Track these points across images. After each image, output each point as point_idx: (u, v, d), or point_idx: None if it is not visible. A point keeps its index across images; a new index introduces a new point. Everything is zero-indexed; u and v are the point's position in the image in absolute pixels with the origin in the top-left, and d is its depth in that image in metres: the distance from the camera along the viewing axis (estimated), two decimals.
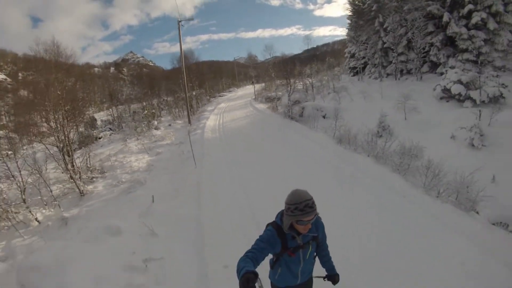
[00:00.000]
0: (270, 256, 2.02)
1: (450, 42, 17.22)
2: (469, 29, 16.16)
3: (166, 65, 67.02)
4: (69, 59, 12.25)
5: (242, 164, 8.24)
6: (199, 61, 38.26)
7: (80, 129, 17.37)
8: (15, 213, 7.64)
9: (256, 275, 1.49)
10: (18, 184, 7.69)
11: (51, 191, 8.32)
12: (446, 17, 16.95)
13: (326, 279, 2.21)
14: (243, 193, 6.19)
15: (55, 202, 8.13)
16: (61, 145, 10.38)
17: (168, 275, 3.47)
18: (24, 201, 7.73)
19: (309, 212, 1.75)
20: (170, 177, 7.57)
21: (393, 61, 19.88)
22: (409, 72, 19.18)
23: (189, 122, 17.08)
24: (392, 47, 19.77)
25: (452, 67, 15.30)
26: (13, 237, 6.76)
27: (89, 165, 10.54)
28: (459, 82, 10.29)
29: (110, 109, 28.09)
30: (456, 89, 10.30)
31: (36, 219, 7.61)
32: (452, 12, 17.16)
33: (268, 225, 1.98)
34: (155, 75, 39.18)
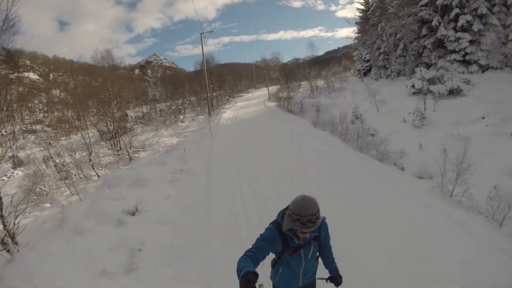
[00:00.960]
0: (272, 256, 2.04)
1: (440, 44, 19.62)
2: (456, 32, 18.52)
3: (189, 67, 71.92)
4: (118, 65, 16.31)
5: (241, 134, 12.93)
6: (220, 64, 42.59)
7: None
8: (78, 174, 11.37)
9: (256, 275, 1.52)
10: (89, 149, 11.52)
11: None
12: (435, 21, 19.33)
13: (328, 280, 2.26)
14: (237, 145, 10.59)
15: (109, 165, 11.86)
16: (111, 128, 14.33)
17: (192, 173, 7.06)
18: (90, 160, 11.54)
19: (310, 227, 1.77)
20: (195, 144, 11.40)
21: (392, 63, 22.49)
22: (402, 72, 21.76)
23: (209, 115, 20.95)
24: (389, 51, 22.42)
25: (440, 67, 17.87)
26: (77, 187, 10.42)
27: (131, 144, 14.37)
28: (423, 79, 12.99)
29: (139, 107, 32.33)
30: (419, 84, 13.01)
31: (97, 174, 11.31)
32: (443, 16, 19.57)
33: (269, 224, 2.00)
34: (180, 77, 43.44)
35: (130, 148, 12.06)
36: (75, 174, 11.23)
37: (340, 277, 2.25)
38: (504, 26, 17.85)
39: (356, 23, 28.70)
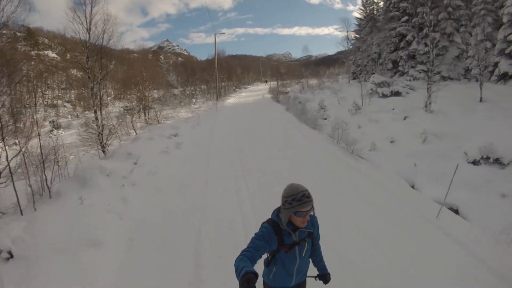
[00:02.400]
0: (265, 255, 2.16)
1: (413, 56, 24.89)
2: (426, 46, 23.72)
3: (200, 56, 77.44)
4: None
5: (239, 111, 19.29)
6: (231, 55, 48.23)
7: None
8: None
9: (256, 275, 1.62)
10: (132, 114, 17.49)
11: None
12: (410, 36, 24.66)
13: (317, 278, 2.47)
14: (236, 116, 17.10)
15: (142, 128, 17.82)
16: (143, 103, 20.34)
17: (204, 126, 13.11)
18: (132, 121, 17.47)
19: (306, 202, 1.98)
20: (205, 115, 17.37)
21: (376, 69, 27.86)
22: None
23: (217, 99, 27.04)
24: (374, 58, 27.81)
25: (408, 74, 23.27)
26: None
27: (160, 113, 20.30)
28: (373, 83, 18.51)
29: (156, 90, 38.26)
30: (370, 87, 18.47)
31: (135, 131, 17.19)
32: (419, 32, 24.83)
33: (263, 223, 2.18)
34: (193, 66, 49.27)
35: (159, 116, 17.99)
36: (116, 132, 17.25)
37: (329, 274, 2.46)
38: (466, 44, 23.00)
39: (352, 30, 34.04)
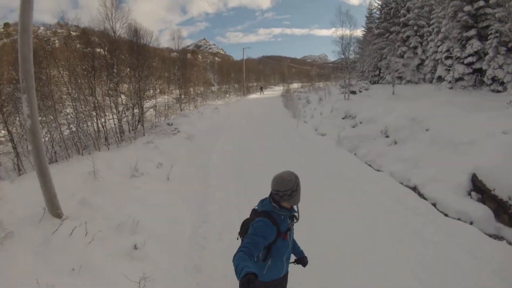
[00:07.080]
0: None
1: (389, 65, 38.12)
2: (397, 57, 36.93)
3: (236, 55, 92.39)
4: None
5: (255, 101, 35.81)
6: (265, 56, 63.07)
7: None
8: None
9: (256, 276, 1.87)
10: (193, 101, 33.27)
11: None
12: (387, 50, 38.07)
13: (295, 263, 2.90)
14: (252, 102, 33.45)
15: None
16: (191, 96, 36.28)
17: (232, 106, 28.88)
18: (188, 104, 33.24)
19: (295, 196, 2.54)
20: (234, 103, 32.96)
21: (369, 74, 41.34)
22: (376, 82, 40.57)
23: (244, 94, 42.74)
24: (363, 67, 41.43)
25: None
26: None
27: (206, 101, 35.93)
28: (340, 85, 32.48)
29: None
30: (337, 87, 32.35)
31: (189, 109, 32.78)
32: (395, 46, 38.09)
33: (256, 218, 2.54)
34: (228, 67, 64.00)
35: (205, 101, 33.56)
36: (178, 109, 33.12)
37: (306, 257, 2.92)
38: (426, 57, 35.65)
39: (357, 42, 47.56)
